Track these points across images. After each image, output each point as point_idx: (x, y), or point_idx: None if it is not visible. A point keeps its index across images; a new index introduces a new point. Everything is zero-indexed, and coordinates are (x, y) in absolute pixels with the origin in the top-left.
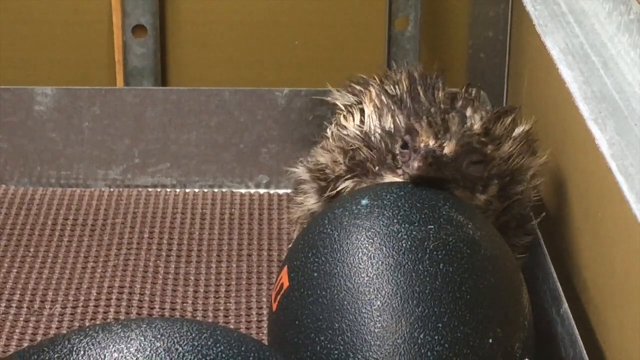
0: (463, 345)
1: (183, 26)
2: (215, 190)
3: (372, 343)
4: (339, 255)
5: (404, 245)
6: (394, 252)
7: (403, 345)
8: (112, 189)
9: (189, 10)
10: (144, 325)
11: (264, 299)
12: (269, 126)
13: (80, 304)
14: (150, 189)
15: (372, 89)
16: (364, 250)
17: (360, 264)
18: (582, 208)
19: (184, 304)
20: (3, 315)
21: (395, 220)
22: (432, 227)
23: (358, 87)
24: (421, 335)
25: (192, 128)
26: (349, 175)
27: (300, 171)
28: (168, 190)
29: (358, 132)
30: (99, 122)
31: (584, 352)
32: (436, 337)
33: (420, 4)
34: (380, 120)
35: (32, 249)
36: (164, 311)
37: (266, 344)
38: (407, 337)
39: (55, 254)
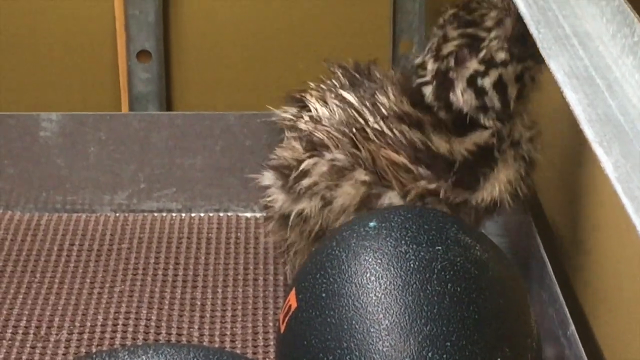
0: None
1: (187, 51)
2: (221, 214)
3: None
4: (347, 275)
5: (411, 265)
6: (402, 273)
7: None
8: (117, 214)
9: (193, 35)
10: (151, 352)
11: (271, 323)
12: (274, 150)
13: (87, 330)
14: (156, 214)
15: (310, 89)
16: (372, 270)
17: (369, 284)
18: (590, 232)
19: (191, 329)
20: (10, 342)
21: (402, 242)
22: (439, 248)
23: (298, 95)
24: (429, 354)
25: (197, 152)
26: (307, 154)
27: (264, 176)
28: (174, 214)
29: (308, 120)
30: (104, 147)
31: None
32: (444, 356)
33: (424, 27)
34: (326, 105)
35: (38, 275)
36: (170, 337)
37: None
38: (416, 356)
39: (61, 280)
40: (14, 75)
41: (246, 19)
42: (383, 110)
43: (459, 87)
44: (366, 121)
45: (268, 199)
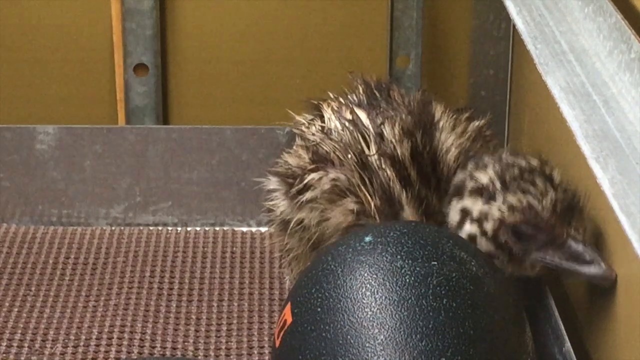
0: None
1: (184, 65)
2: (217, 228)
3: None
4: (342, 290)
5: (407, 280)
6: (398, 287)
7: None
8: (113, 228)
9: (190, 49)
10: None
11: (266, 338)
12: (270, 164)
13: (82, 344)
14: (151, 228)
15: (329, 99)
16: (368, 285)
17: (364, 299)
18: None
19: (185, 343)
20: (4, 355)
21: (398, 257)
22: (435, 263)
23: (316, 102)
24: None
25: (193, 166)
26: (313, 167)
27: (270, 180)
28: (169, 228)
29: (319, 130)
30: (100, 160)
31: None
32: None
33: (421, 43)
34: (339, 118)
35: (33, 288)
36: (165, 350)
37: None
38: None
39: (56, 293)
40: (11, 87)
41: (243, 33)
42: (383, 144)
43: (458, 206)
44: (367, 147)
45: (271, 202)
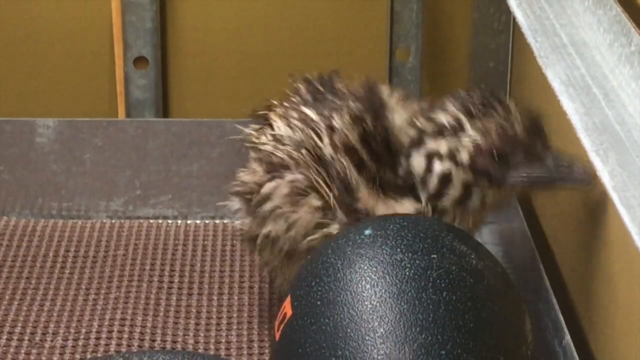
0: None
1: (184, 58)
2: (217, 221)
3: None
4: (342, 283)
5: (407, 273)
6: (397, 281)
7: None
8: (113, 221)
9: (190, 42)
10: (146, 358)
11: (266, 331)
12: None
13: (82, 337)
14: (151, 221)
15: (273, 106)
16: (367, 278)
17: (364, 292)
18: (585, 239)
19: (186, 337)
20: (4, 348)
21: (398, 250)
22: (435, 256)
23: (261, 112)
24: None
25: (193, 159)
26: (269, 177)
27: (232, 202)
28: (169, 221)
29: (270, 139)
30: (100, 153)
31: None
32: None
33: (421, 35)
34: (288, 124)
35: (33, 281)
36: (165, 344)
37: None
38: None
39: (56, 286)
40: (11, 80)
41: (243, 26)
42: (335, 136)
43: (421, 152)
44: (320, 141)
45: (238, 222)
